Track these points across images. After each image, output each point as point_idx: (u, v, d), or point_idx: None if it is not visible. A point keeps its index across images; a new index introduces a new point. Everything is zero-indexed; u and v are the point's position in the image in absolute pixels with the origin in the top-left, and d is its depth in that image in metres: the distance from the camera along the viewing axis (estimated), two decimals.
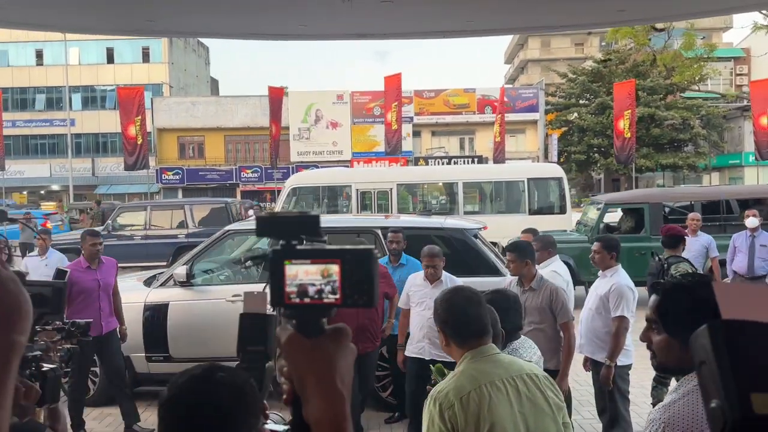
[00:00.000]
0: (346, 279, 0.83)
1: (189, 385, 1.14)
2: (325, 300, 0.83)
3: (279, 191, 18.36)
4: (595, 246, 5.02)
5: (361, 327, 5.15)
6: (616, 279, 4.81)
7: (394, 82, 20.74)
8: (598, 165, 32.51)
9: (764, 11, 22.46)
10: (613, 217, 13.06)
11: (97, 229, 6.31)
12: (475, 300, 2.30)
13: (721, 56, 35.38)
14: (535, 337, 4.28)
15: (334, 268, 0.83)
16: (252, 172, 34.84)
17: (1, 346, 0.71)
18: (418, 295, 5.19)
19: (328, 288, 0.83)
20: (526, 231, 6.49)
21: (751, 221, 7.86)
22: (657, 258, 5.86)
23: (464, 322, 2.22)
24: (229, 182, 34.76)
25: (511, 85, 47.59)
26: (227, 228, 7.31)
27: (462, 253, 6.92)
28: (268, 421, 1.49)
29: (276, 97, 22.06)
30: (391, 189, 15.06)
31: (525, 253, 4.69)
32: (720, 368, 0.80)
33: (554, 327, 4.51)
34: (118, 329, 5.73)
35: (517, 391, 2.12)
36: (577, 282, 10.48)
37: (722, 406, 0.78)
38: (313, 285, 0.83)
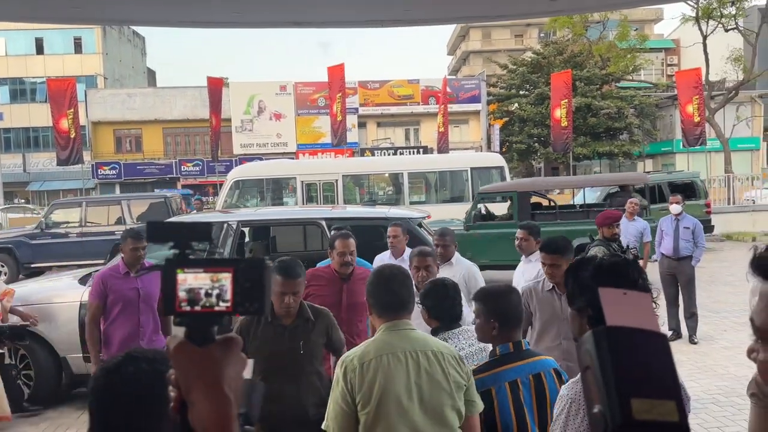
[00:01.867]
0: (238, 287, 0.85)
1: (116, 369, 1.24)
2: (216, 308, 0.85)
3: (222, 185, 17.95)
4: (521, 233, 5.10)
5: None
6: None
7: (337, 72, 20.59)
8: (538, 154, 33.26)
9: (691, 3, 23.44)
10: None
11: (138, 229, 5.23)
12: (399, 278, 2.47)
13: (652, 47, 36.70)
14: (567, 349, 3.62)
15: (226, 277, 0.85)
16: (193, 166, 34.06)
17: None
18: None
19: (219, 296, 0.85)
20: (395, 225, 5.63)
21: (675, 208, 8.17)
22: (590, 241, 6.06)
23: (385, 295, 2.40)
24: (169, 176, 33.88)
25: (453, 76, 48.05)
26: None
27: (406, 242, 7.00)
28: None
29: (215, 87, 21.56)
30: (337, 180, 15.03)
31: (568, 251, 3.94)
32: (603, 374, 0.82)
33: None
34: None
35: (417, 365, 2.29)
36: None
37: (604, 411, 0.80)
38: (204, 293, 0.85)
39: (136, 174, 33.54)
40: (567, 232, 10.37)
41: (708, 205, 15.68)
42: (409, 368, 2.28)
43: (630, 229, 8.31)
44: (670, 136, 34.51)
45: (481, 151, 32.19)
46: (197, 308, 0.85)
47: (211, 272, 0.85)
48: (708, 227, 15.57)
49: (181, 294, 0.85)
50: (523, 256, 5.19)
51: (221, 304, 0.85)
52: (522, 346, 2.59)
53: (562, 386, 2.05)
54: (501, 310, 2.59)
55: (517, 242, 5.17)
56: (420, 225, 7.29)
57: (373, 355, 2.29)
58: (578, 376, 2.02)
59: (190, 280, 0.85)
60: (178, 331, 0.89)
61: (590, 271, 1.98)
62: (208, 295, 0.85)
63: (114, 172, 33.36)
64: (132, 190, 29.31)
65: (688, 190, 15.75)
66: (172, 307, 0.85)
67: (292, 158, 29.83)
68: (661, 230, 8.36)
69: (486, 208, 12.38)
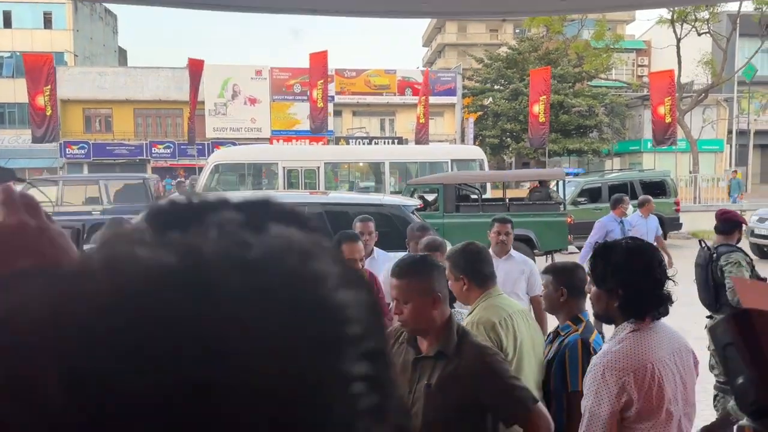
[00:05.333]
0: None
1: None
2: None
3: (197, 168, 17.80)
4: (503, 227, 4.82)
5: None
6: (526, 259, 4.95)
7: (320, 59, 20.54)
8: (510, 149, 33.70)
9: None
10: None
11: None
12: (485, 250, 2.97)
13: (624, 47, 37.44)
14: None
15: None
16: (164, 148, 33.54)
17: None
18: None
19: None
20: (365, 220, 5.03)
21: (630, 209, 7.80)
22: (705, 246, 5.18)
23: (484, 266, 2.84)
24: (139, 158, 33.29)
25: (427, 68, 48.20)
26: None
27: (401, 230, 7.15)
28: None
29: (196, 69, 21.29)
30: (319, 167, 15.07)
31: None
32: (748, 350, 0.96)
33: None
34: None
35: (527, 321, 2.83)
36: None
37: (752, 381, 0.96)
38: None
39: (105, 154, 32.87)
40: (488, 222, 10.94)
41: (677, 204, 16.26)
42: (526, 324, 2.74)
43: (650, 225, 8.13)
44: (639, 135, 35.35)
45: (455, 143, 32.49)
46: None
47: None
48: (677, 225, 16.21)
49: None
50: (493, 254, 4.63)
51: None
52: None
53: (594, 356, 2.23)
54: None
55: (498, 237, 4.76)
56: (413, 213, 7.48)
57: (504, 313, 2.65)
58: (607, 347, 2.22)
59: None
60: None
61: (620, 254, 2.17)
62: None
63: (83, 151, 32.63)
64: (101, 171, 28.70)
65: (658, 188, 16.35)
66: None
67: (267, 144, 29.67)
68: (607, 232, 7.72)
69: (423, 198, 12.69)
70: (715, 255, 4.94)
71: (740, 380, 0.99)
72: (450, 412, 2.04)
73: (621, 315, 2.20)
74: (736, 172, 24.74)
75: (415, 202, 7.77)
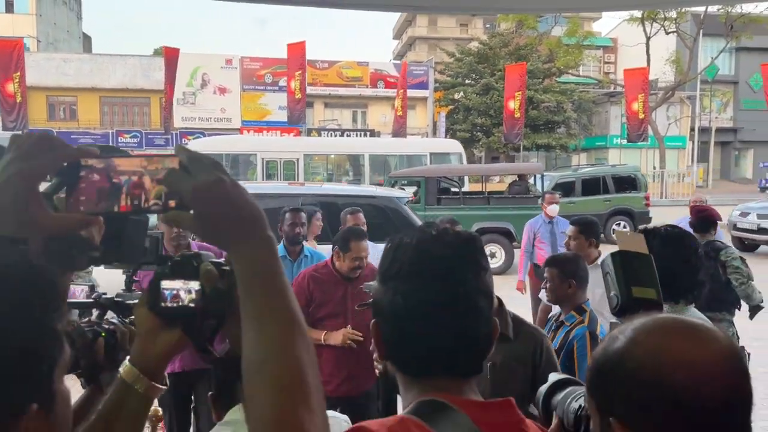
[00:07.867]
0: None
1: None
2: None
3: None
4: (570, 230, 4.55)
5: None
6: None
7: (297, 50, 20.39)
8: (481, 143, 34.04)
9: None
10: None
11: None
12: None
13: (591, 44, 38.12)
14: None
15: None
16: (131, 137, 32.84)
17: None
18: None
19: None
20: (354, 212, 5.07)
21: (552, 209, 6.87)
22: None
23: None
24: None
25: (398, 61, 48.18)
26: None
27: (394, 221, 7.27)
28: None
29: (172, 57, 20.90)
30: (298, 159, 15.04)
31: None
32: (617, 274, 1.53)
33: None
34: None
35: None
36: None
37: (617, 294, 1.52)
38: None
39: (70, 143, 31.95)
40: (470, 216, 11.17)
41: (647, 199, 16.74)
42: None
43: None
44: (605, 131, 36.09)
45: (427, 137, 32.66)
46: None
47: None
48: (647, 219, 16.69)
49: None
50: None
51: None
52: None
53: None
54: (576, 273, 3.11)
55: (568, 241, 4.48)
56: (405, 205, 7.59)
57: None
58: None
59: None
60: None
61: (658, 239, 2.31)
62: None
63: None
64: None
65: (629, 183, 16.83)
66: None
67: (236, 134, 29.34)
68: (534, 234, 6.93)
69: (403, 190, 12.74)
70: (710, 253, 4.62)
71: (611, 293, 1.55)
72: (512, 389, 2.19)
73: None
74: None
75: (407, 194, 7.88)
